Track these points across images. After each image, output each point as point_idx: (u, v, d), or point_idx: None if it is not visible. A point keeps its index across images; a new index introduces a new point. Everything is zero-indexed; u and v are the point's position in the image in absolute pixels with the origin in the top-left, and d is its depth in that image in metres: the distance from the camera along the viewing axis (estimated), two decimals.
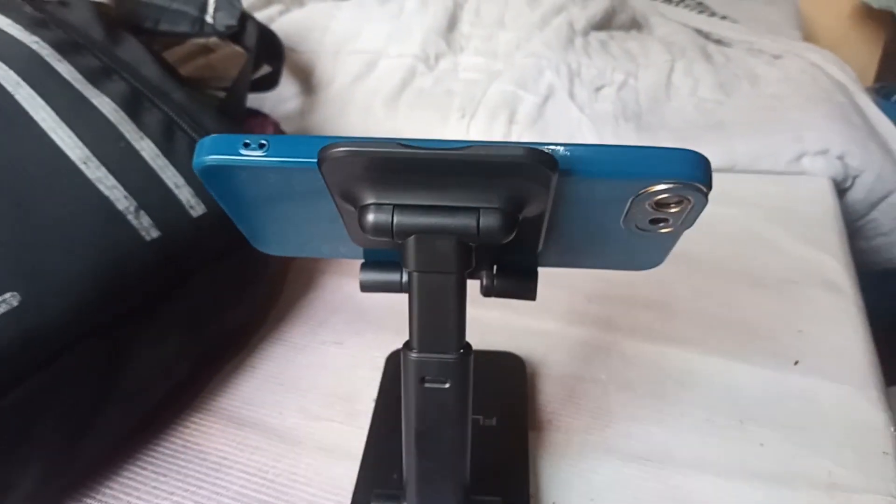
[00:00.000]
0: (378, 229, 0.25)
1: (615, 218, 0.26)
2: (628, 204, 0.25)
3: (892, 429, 0.41)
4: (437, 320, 0.28)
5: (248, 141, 0.24)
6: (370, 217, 0.24)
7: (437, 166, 0.23)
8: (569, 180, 0.23)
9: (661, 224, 0.26)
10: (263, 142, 0.24)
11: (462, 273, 0.26)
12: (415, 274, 0.26)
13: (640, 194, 0.24)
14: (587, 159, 0.23)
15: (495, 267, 0.32)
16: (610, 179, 0.23)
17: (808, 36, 1.57)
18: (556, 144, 0.23)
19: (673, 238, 0.27)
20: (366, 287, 0.31)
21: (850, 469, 0.38)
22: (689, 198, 0.24)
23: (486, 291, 0.32)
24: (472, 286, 0.30)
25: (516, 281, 0.31)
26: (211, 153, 0.24)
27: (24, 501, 0.35)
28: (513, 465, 0.38)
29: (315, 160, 0.23)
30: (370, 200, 0.25)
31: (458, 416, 0.30)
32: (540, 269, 0.32)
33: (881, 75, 1.83)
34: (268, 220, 0.30)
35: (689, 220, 0.26)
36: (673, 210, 0.24)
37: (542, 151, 0.22)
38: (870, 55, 1.86)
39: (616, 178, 0.23)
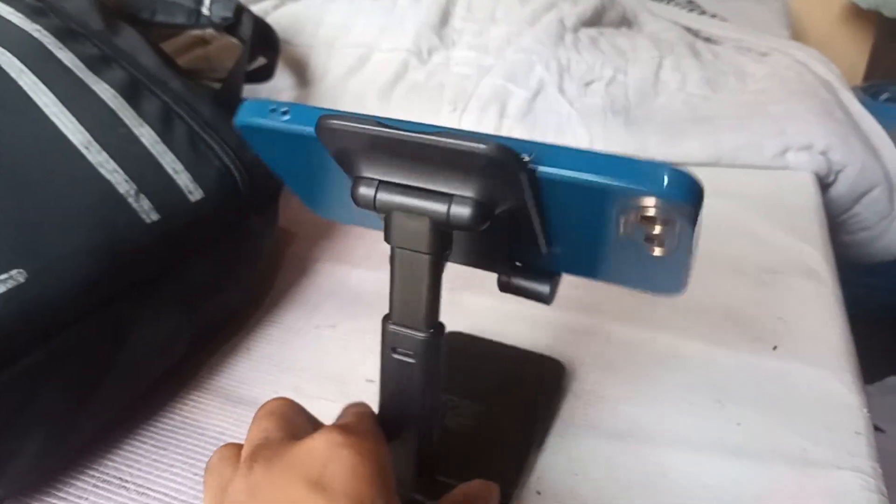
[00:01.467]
0: (363, 201, 0.27)
1: (609, 228, 0.26)
2: (614, 214, 0.24)
3: (865, 410, 0.43)
4: (411, 297, 0.29)
5: (274, 107, 0.27)
6: (358, 189, 0.27)
7: (408, 148, 0.24)
8: (542, 181, 0.24)
9: (655, 243, 0.25)
10: (286, 108, 0.27)
11: (437, 255, 0.27)
12: (395, 248, 0.28)
13: (622, 205, 0.24)
14: (556, 161, 0.23)
15: (518, 264, 0.32)
16: (580, 184, 0.23)
17: (798, 35, 1.58)
18: (533, 144, 0.23)
19: (674, 263, 0.27)
20: None
21: (823, 447, 0.40)
22: (674, 219, 0.23)
23: (502, 287, 0.33)
24: (491, 277, 0.32)
25: (532, 282, 0.32)
26: (248, 115, 0.28)
27: (26, 471, 0.36)
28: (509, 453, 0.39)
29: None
30: (362, 173, 0.27)
31: (422, 392, 0.30)
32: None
33: (869, 74, 1.85)
34: (308, 182, 0.34)
35: (681, 246, 0.25)
36: (657, 230, 0.24)
37: (505, 147, 0.23)
38: (858, 54, 1.88)
39: (584, 182, 0.23)
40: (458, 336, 0.45)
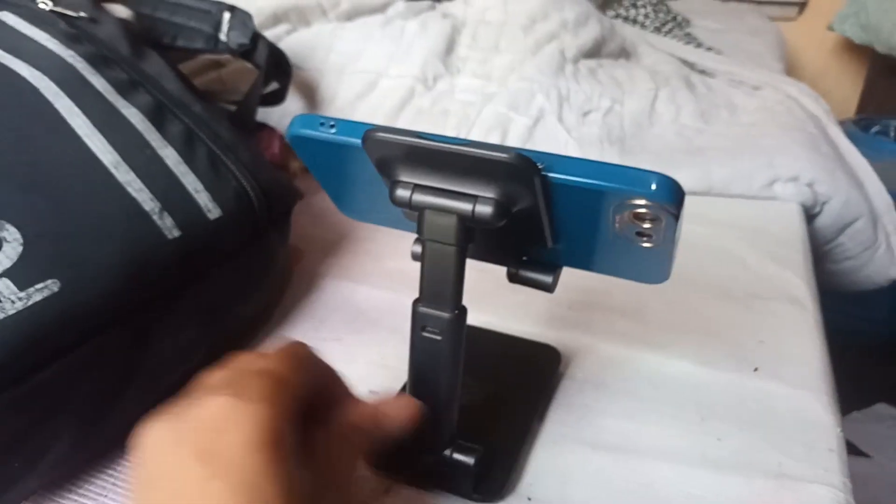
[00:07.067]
0: (400, 202, 0.32)
1: (606, 226, 0.31)
2: (611, 214, 0.29)
3: (839, 429, 0.45)
4: (438, 282, 0.33)
5: (322, 121, 0.32)
6: (396, 191, 0.32)
7: (442, 156, 0.29)
8: (553, 185, 0.29)
9: (645, 238, 0.30)
10: (332, 122, 0.32)
11: (462, 247, 0.32)
12: (426, 241, 0.33)
13: (618, 205, 0.28)
14: (565, 168, 0.28)
15: (525, 258, 0.37)
16: (585, 188, 0.28)
17: (792, 68, 1.63)
18: (545, 154, 0.28)
19: (661, 254, 0.32)
20: (415, 256, 0.36)
21: (798, 462, 0.42)
22: (661, 216, 0.28)
23: (511, 278, 0.37)
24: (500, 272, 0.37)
25: (537, 272, 0.37)
26: (299, 127, 0.33)
27: (52, 469, 0.39)
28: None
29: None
30: (400, 178, 0.32)
31: (448, 366, 0.35)
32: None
33: (862, 107, 1.90)
34: (343, 188, 0.39)
35: (667, 238, 0.30)
36: (647, 226, 0.29)
37: (524, 156, 0.28)
38: (852, 88, 1.93)
39: (589, 186, 0.28)
40: (469, 328, 0.49)
